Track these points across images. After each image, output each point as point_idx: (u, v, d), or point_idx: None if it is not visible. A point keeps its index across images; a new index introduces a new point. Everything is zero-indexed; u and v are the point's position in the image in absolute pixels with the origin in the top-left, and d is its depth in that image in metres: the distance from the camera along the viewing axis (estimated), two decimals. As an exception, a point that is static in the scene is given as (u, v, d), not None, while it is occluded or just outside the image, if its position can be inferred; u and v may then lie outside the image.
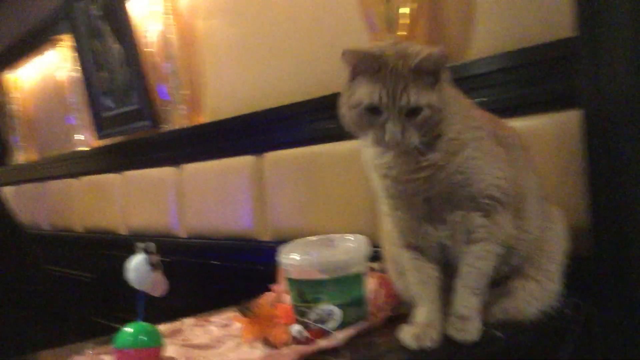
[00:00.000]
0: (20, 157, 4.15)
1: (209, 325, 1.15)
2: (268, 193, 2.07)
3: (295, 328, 0.96)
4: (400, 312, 1.11)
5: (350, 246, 1.09)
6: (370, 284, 1.13)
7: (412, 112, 0.91)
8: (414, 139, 0.91)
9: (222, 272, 2.23)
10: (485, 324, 1.00)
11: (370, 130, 0.93)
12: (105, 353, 0.99)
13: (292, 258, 1.06)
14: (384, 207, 1.04)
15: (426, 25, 1.59)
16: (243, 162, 2.15)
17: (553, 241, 1.10)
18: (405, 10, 1.59)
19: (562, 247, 1.11)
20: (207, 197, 2.34)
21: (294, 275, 1.06)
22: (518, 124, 1.32)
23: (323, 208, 1.87)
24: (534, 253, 1.07)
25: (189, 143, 2.43)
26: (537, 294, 1.07)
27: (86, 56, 3.00)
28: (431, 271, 1.03)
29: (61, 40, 3.29)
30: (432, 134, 0.94)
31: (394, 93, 0.90)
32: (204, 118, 2.43)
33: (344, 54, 0.94)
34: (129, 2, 2.64)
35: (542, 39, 1.30)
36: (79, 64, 3.09)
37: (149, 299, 0.97)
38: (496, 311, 1.05)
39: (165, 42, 2.50)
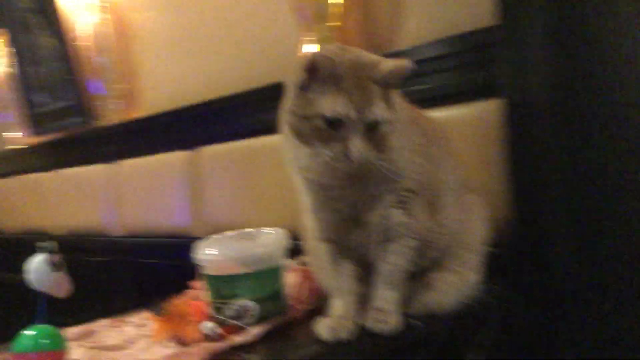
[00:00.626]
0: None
1: (124, 325, 1.11)
2: (204, 188, 2.02)
3: (207, 325, 0.93)
4: (321, 306, 1.09)
5: (267, 240, 1.06)
6: (293, 278, 1.10)
7: (372, 126, 0.86)
8: (373, 156, 0.87)
9: (158, 271, 2.17)
10: (405, 315, 0.99)
11: (326, 145, 0.85)
12: (4, 359, 0.93)
13: (207, 253, 1.03)
14: (305, 204, 1.02)
15: (358, 15, 1.57)
16: (179, 157, 2.10)
17: (472, 232, 1.09)
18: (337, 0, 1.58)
19: (481, 237, 1.10)
20: (145, 194, 2.28)
21: (210, 271, 1.03)
22: (441, 113, 1.33)
23: (260, 202, 1.84)
24: (452, 245, 1.07)
25: (124, 139, 2.36)
26: (456, 285, 1.06)
27: (19, 51, 2.88)
28: (348, 264, 1.01)
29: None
30: (382, 147, 0.89)
31: (361, 107, 0.84)
32: (141, 113, 2.36)
33: (301, 59, 0.87)
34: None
35: (466, 27, 1.29)
36: (12, 59, 2.97)
37: (53, 300, 0.92)
38: (416, 304, 1.03)
39: (99, 35, 2.41)
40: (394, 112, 0.89)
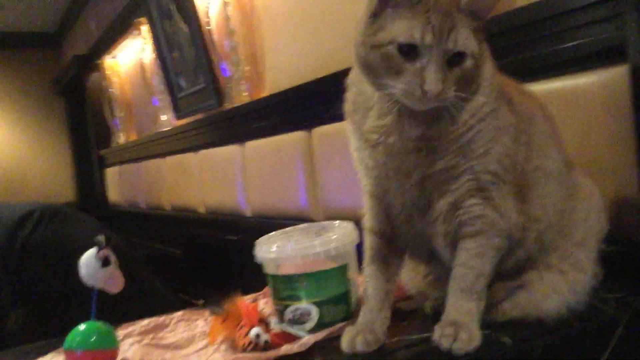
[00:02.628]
0: (121, 138, 4.35)
1: (196, 319, 1.07)
2: (320, 170, 1.96)
3: (254, 331, 0.85)
4: (403, 307, 0.97)
5: (334, 235, 0.95)
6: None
7: (454, 60, 0.74)
8: (451, 93, 0.75)
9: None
10: (492, 325, 0.83)
11: (398, 77, 0.75)
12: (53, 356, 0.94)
13: (266, 250, 0.95)
14: (364, 183, 0.90)
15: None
16: (296, 138, 2.05)
17: (581, 224, 0.91)
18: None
19: (593, 230, 0.92)
20: (267, 175, 2.28)
21: (269, 270, 0.95)
22: (559, 83, 1.12)
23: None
24: (552, 240, 0.89)
25: (248, 119, 2.37)
26: (560, 286, 0.88)
27: (160, 38, 3.03)
28: (391, 267, 0.89)
29: (141, 24, 3.35)
30: (463, 92, 0.77)
31: (440, 33, 0.73)
32: (266, 93, 2.35)
33: None
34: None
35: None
36: (155, 45, 3.13)
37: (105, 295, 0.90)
38: (508, 308, 0.88)
39: (225, 18, 2.44)
40: (480, 50, 0.76)
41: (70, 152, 5.87)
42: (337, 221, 1.02)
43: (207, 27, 2.60)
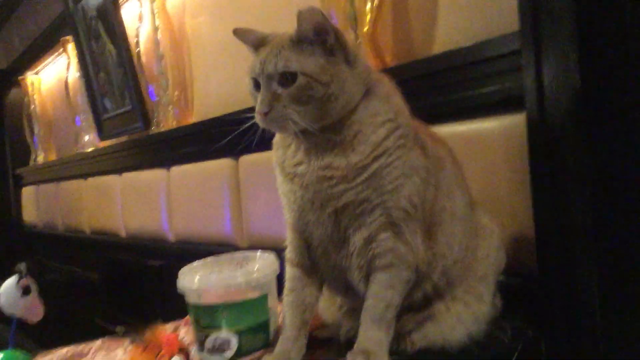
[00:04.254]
0: (40, 157, 4.21)
1: (117, 348, 1.08)
2: (245, 198, 1.99)
3: (174, 360, 0.88)
4: (318, 335, 1.02)
5: (255, 265, 0.99)
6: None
7: (284, 81, 0.83)
8: (289, 111, 0.83)
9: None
10: (402, 355, 0.89)
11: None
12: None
13: (188, 280, 0.98)
14: (286, 216, 0.95)
15: (390, 20, 1.47)
16: (222, 165, 2.08)
17: (483, 260, 0.99)
18: (368, 5, 1.49)
19: (493, 265, 1.00)
20: (192, 201, 2.28)
21: (190, 299, 0.98)
22: (465, 127, 1.21)
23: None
24: (458, 274, 0.96)
25: (174, 145, 2.37)
26: (464, 317, 0.95)
27: (86, 58, 2.99)
28: (308, 297, 0.93)
29: (68, 42, 3.29)
30: (324, 114, 0.84)
31: (265, 62, 0.84)
32: (194, 119, 2.36)
33: (235, 32, 0.92)
34: (121, 1, 2.61)
35: (498, 31, 1.16)
36: (81, 65, 3.08)
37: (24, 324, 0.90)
38: (417, 338, 0.94)
39: (154, 41, 2.44)
40: (321, 69, 0.83)
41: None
42: (259, 251, 1.06)
43: (136, 50, 2.58)
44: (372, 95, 0.88)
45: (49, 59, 3.82)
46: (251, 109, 0.87)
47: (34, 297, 0.89)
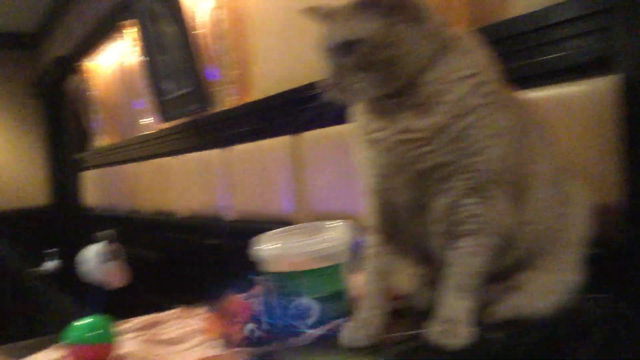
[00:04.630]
0: (100, 141, 4.30)
1: (190, 317, 1.08)
2: (306, 174, 1.97)
3: (248, 327, 0.86)
4: (397, 305, 0.99)
5: (332, 234, 0.97)
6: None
7: (345, 51, 0.80)
8: (355, 80, 0.80)
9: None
10: (485, 325, 0.85)
11: None
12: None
13: (269, 248, 0.96)
14: (366, 184, 0.92)
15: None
16: (283, 142, 2.06)
17: (570, 228, 0.94)
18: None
19: (581, 234, 0.94)
20: (253, 179, 2.28)
21: (271, 267, 0.96)
22: (546, 93, 1.15)
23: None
24: (545, 243, 0.92)
25: (235, 124, 2.37)
26: (550, 287, 0.91)
27: (147, 40, 3.02)
28: (389, 265, 0.91)
29: (128, 26, 3.33)
30: (393, 78, 0.81)
31: (328, 33, 0.82)
32: (254, 97, 2.35)
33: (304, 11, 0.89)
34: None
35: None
36: (143, 48, 3.12)
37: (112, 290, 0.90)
38: (501, 309, 0.90)
39: (214, 21, 2.45)
40: (383, 31, 0.79)
41: (45, 155, 5.78)
42: (332, 221, 1.04)
43: (196, 30, 2.60)
44: (449, 51, 0.83)
45: (107, 45, 3.88)
46: (312, 85, 0.86)
47: (121, 263, 0.89)
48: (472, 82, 0.82)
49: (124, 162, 3.76)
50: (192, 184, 2.79)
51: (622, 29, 0.98)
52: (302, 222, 1.96)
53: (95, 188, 4.48)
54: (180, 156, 2.92)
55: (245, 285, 1.09)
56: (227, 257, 2.40)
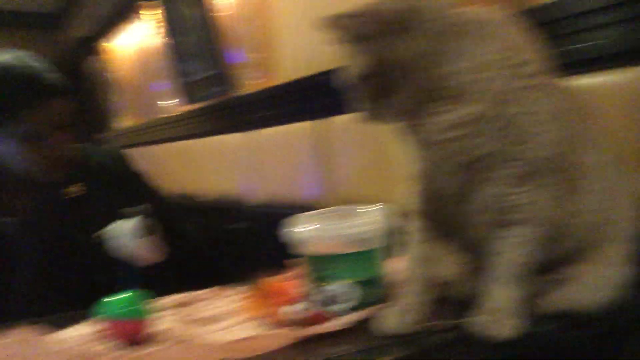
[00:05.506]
0: (123, 122, 4.30)
1: (225, 297, 1.07)
2: (334, 160, 1.95)
3: (294, 308, 0.85)
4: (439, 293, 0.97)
5: (367, 218, 0.96)
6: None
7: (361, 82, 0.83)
8: (381, 108, 0.83)
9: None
10: (533, 317, 0.83)
11: None
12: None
13: (305, 230, 0.95)
14: (413, 168, 0.90)
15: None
16: (310, 127, 2.05)
17: (619, 221, 0.91)
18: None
19: (629, 228, 0.92)
20: (277, 163, 2.27)
21: (307, 250, 0.95)
22: (593, 80, 1.12)
23: (392, 175, 1.72)
24: (596, 235, 0.89)
25: (259, 107, 2.36)
26: (602, 280, 0.88)
27: (170, 22, 3.00)
28: (432, 251, 0.89)
29: (148, 7, 3.31)
30: (410, 92, 0.80)
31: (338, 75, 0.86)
32: (279, 81, 2.33)
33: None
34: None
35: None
36: (167, 29, 3.10)
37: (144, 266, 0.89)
38: (551, 301, 0.87)
39: (240, 3, 2.42)
40: (367, 57, 0.81)
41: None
42: (365, 205, 1.02)
43: (220, 12, 2.58)
44: (469, 37, 0.80)
45: (127, 26, 3.87)
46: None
47: (157, 238, 0.88)
48: (507, 64, 0.79)
49: (144, 144, 3.76)
50: (217, 166, 2.78)
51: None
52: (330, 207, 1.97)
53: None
54: (205, 139, 2.91)
55: (278, 267, 1.08)
56: (253, 240, 2.40)
